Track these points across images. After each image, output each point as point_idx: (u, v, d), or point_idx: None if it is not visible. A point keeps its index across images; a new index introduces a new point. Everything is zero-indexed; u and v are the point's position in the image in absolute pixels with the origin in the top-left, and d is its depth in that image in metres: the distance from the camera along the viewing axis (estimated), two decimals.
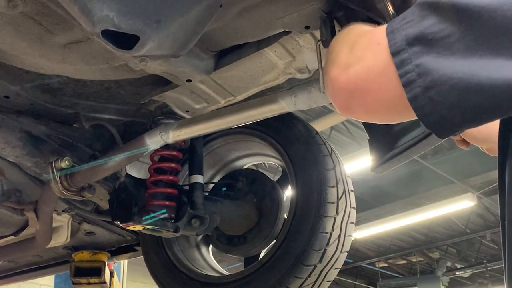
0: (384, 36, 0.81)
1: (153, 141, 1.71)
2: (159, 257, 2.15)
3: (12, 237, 2.29)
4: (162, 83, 1.76)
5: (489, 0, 0.72)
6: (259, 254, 2.12)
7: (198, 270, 2.10)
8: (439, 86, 0.73)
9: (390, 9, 1.26)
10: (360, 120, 0.97)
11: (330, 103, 1.45)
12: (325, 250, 1.82)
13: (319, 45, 1.41)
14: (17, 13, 1.32)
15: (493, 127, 1.19)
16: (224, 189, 2.19)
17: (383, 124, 1.72)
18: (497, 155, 1.26)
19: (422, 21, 0.76)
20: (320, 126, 7.63)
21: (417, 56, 0.75)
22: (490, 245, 13.36)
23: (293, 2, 1.36)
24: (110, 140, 1.95)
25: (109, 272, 2.86)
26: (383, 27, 0.83)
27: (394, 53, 0.78)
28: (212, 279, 2.03)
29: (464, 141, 1.26)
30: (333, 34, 1.36)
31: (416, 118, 0.79)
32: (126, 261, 4.61)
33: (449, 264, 14.04)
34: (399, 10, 1.27)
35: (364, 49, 0.86)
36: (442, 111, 0.74)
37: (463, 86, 0.71)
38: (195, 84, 1.71)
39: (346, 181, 1.94)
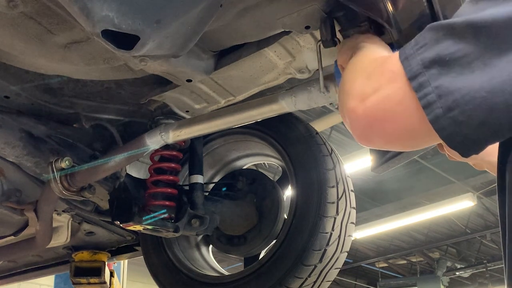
0: (399, 63, 0.80)
1: (153, 141, 1.71)
2: (159, 257, 2.15)
3: (12, 237, 2.29)
4: (162, 83, 1.76)
5: (505, 14, 0.71)
6: (259, 254, 2.12)
7: (198, 270, 2.10)
8: (463, 106, 0.72)
9: (390, 9, 1.26)
10: (382, 149, 0.94)
11: (330, 103, 1.45)
12: (325, 250, 1.82)
13: (319, 45, 1.41)
14: (17, 13, 1.32)
15: None
16: (224, 189, 2.19)
17: None
18: (483, 169, 1.27)
19: (436, 44, 0.76)
20: (320, 126, 7.63)
21: (435, 78, 0.74)
22: (490, 245, 13.36)
23: (293, 2, 1.36)
24: (110, 140, 1.95)
25: (109, 272, 2.86)
26: (396, 54, 0.83)
27: (411, 78, 0.77)
28: (212, 279, 2.03)
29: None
30: (333, 34, 1.36)
31: (438, 141, 0.79)
32: (126, 261, 4.61)
33: (449, 264, 14.04)
34: (399, 9, 1.27)
35: (379, 78, 0.85)
36: (466, 131, 0.73)
37: (488, 105, 0.70)
38: (195, 84, 1.71)
39: (346, 181, 1.94)
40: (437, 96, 0.74)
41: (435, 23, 0.79)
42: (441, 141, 0.78)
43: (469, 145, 0.75)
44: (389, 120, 0.82)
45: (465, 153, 0.77)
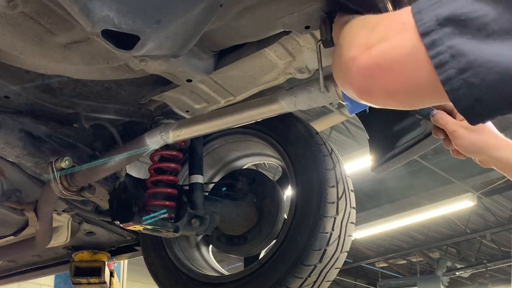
0: (410, 16, 0.76)
1: (153, 141, 1.71)
2: (159, 257, 2.15)
3: (12, 237, 2.29)
4: (162, 83, 1.76)
5: None
6: (259, 254, 2.12)
7: (198, 270, 2.10)
8: (476, 68, 0.69)
9: (390, 8, 1.26)
10: (378, 106, 0.89)
11: (330, 103, 1.45)
12: (325, 250, 1.82)
13: (319, 45, 1.41)
14: (17, 13, 1.32)
15: (486, 139, 1.18)
16: (224, 189, 2.19)
17: (383, 124, 1.72)
18: (489, 167, 1.23)
19: (452, 1, 0.72)
20: (320, 126, 7.63)
21: (449, 37, 0.71)
22: (490, 245, 13.36)
23: (293, 2, 1.36)
24: (110, 140, 1.95)
25: (109, 272, 2.86)
26: (407, 8, 0.79)
27: (423, 34, 0.73)
28: (212, 279, 2.03)
29: (459, 152, 1.25)
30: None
31: (440, 102, 0.76)
32: (126, 261, 4.61)
33: (449, 264, 14.04)
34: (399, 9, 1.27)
35: (387, 29, 0.80)
36: (477, 94, 0.70)
37: (503, 69, 0.68)
38: (195, 84, 1.71)
39: (346, 181, 1.94)
40: (451, 56, 0.71)
41: None
42: (443, 103, 0.75)
43: (477, 110, 0.72)
44: (395, 71, 0.77)
45: (473, 119, 0.74)
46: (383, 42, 0.79)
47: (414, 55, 0.75)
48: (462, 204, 9.95)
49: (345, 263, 2.05)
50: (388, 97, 0.82)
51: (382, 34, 0.80)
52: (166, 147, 1.86)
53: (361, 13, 1.29)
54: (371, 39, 0.81)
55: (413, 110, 1.33)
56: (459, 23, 0.71)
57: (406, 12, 0.78)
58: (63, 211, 2.23)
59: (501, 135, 1.19)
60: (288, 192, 2.09)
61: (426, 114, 1.26)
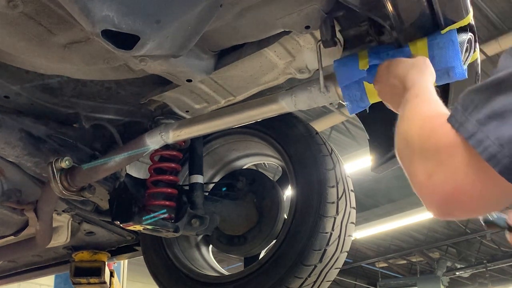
0: (452, 133, 0.80)
1: (153, 141, 1.71)
2: (159, 257, 2.15)
3: (12, 237, 2.29)
4: (162, 83, 1.76)
5: None
6: (259, 254, 2.12)
7: (198, 270, 2.10)
8: None
9: (390, 9, 1.26)
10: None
11: (330, 103, 1.45)
12: (325, 250, 1.81)
13: (319, 45, 1.41)
14: (17, 13, 1.32)
15: None
16: (224, 189, 2.19)
17: (383, 124, 1.72)
18: None
19: (488, 103, 0.75)
20: (320, 126, 7.64)
21: (494, 131, 0.74)
22: (490, 245, 13.36)
23: (293, 2, 1.36)
24: (110, 140, 1.95)
25: (109, 272, 2.86)
26: (445, 126, 0.82)
27: (469, 138, 0.76)
28: (212, 279, 2.03)
29: None
30: (333, 34, 1.36)
31: None
32: (126, 261, 4.61)
33: (449, 264, 14.04)
34: (399, 9, 1.27)
35: (437, 156, 0.83)
36: None
37: None
38: (195, 84, 1.71)
39: (346, 181, 1.94)
40: (499, 146, 0.73)
41: (476, 86, 0.79)
42: None
43: None
44: (463, 195, 0.80)
45: None
46: (440, 171, 0.82)
47: (472, 171, 0.78)
48: None
49: (345, 263, 2.05)
50: (470, 212, 0.86)
51: (435, 163, 0.83)
52: (166, 147, 1.86)
53: (363, 21, 1.30)
54: (428, 167, 0.84)
55: (488, 225, 1.40)
56: (500, 117, 0.74)
57: (446, 131, 0.81)
58: (63, 211, 2.23)
59: None
60: (288, 192, 2.09)
61: (503, 225, 1.32)
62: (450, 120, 0.81)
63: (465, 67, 1.29)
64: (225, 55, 1.65)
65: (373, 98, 1.33)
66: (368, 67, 1.30)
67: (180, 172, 2.07)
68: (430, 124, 0.89)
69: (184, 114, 1.91)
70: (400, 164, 0.96)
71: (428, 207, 0.89)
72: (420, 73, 1.14)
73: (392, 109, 1.22)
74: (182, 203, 1.97)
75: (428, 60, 1.20)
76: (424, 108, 0.97)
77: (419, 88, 1.07)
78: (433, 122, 0.88)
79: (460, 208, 0.83)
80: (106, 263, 2.72)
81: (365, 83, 1.32)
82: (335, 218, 1.84)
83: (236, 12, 1.39)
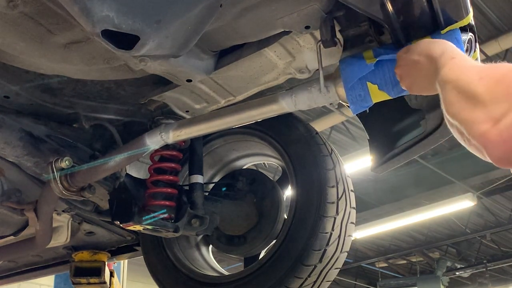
0: None
1: (153, 141, 1.71)
2: (159, 257, 2.15)
3: (12, 237, 2.29)
4: (162, 83, 1.76)
5: None
6: (259, 254, 2.12)
7: (198, 270, 2.10)
8: None
9: (390, 8, 1.26)
10: None
11: (330, 103, 1.45)
12: (325, 250, 1.81)
13: (319, 45, 1.41)
14: (17, 13, 1.32)
15: None
16: (224, 189, 2.19)
17: (383, 124, 1.72)
18: None
19: None
20: (320, 126, 7.64)
21: None
22: (490, 245, 13.35)
23: (293, 2, 1.36)
24: (110, 140, 1.95)
25: (109, 272, 2.86)
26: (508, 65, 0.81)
27: None
28: (212, 279, 2.03)
29: None
30: (333, 34, 1.36)
31: None
32: (126, 261, 4.61)
33: (449, 264, 14.04)
34: (399, 9, 1.27)
35: (506, 97, 0.82)
36: None
37: None
38: (195, 84, 1.71)
39: (346, 181, 1.94)
40: None
41: None
42: None
43: None
44: None
45: None
46: (509, 113, 0.81)
47: None
48: (462, 204, 9.94)
49: (345, 263, 2.05)
50: None
51: (504, 105, 0.82)
52: (166, 147, 1.86)
53: (363, 21, 1.29)
54: (494, 111, 0.83)
55: None
56: None
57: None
58: (63, 211, 2.23)
59: None
60: (288, 192, 2.09)
61: None
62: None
63: None
64: (225, 55, 1.65)
65: (376, 98, 1.33)
66: (376, 61, 1.30)
67: (180, 172, 2.07)
68: (490, 71, 0.88)
69: (184, 114, 1.91)
70: (452, 121, 0.94)
71: (490, 155, 0.86)
72: (443, 43, 1.13)
73: (418, 92, 1.20)
74: (182, 203, 1.97)
75: None
76: (471, 62, 0.96)
77: (452, 52, 1.06)
78: (494, 70, 0.86)
79: None
80: (106, 263, 2.72)
81: (369, 83, 1.32)
82: (335, 218, 1.84)
83: (236, 12, 1.39)
